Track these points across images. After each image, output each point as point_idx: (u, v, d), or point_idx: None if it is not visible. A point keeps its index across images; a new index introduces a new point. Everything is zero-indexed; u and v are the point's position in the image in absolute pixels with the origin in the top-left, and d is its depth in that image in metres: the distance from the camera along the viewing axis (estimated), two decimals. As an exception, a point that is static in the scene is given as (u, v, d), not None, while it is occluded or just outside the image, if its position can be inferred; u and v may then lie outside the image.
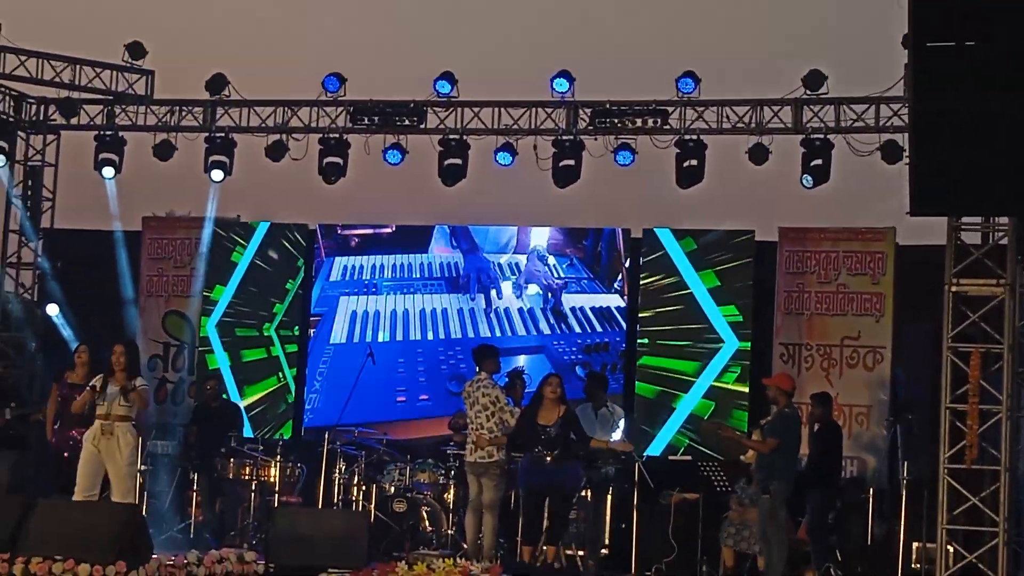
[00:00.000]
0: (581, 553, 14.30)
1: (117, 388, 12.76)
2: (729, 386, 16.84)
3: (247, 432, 17.37)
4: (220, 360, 18.43)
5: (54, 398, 14.31)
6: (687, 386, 16.98)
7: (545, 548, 13.77)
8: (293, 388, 18.21)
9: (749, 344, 16.91)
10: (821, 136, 17.00)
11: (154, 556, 11.24)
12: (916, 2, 13.80)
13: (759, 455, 13.52)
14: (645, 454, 16.17)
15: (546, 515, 13.58)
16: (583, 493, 14.29)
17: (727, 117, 17.51)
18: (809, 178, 16.94)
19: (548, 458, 13.33)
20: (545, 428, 13.42)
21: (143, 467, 15.65)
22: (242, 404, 17.74)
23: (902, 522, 14.99)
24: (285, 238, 18.65)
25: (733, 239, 17.19)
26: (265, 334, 18.45)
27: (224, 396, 17.28)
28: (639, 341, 17.30)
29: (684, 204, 18.24)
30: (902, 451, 15.38)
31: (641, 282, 17.42)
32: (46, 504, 11.65)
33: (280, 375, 18.31)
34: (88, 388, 12.88)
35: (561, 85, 17.55)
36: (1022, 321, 14.60)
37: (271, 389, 18.24)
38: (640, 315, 17.35)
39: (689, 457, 16.04)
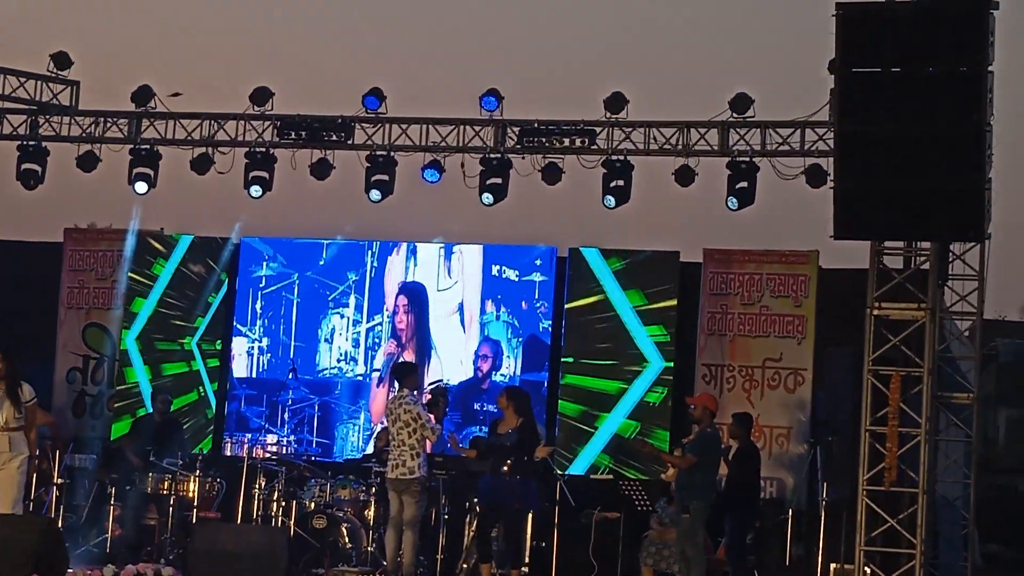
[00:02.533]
0: (502, 571, 14.26)
1: (7, 398, 12.61)
2: (654, 405, 16.90)
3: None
4: (139, 373, 18.26)
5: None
6: (610, 405, 17.03)
7: (468, 566, 13.76)
8: (214, 402, 18.09)
9: (673, 363, 16.97)
10: (747, 159, 17.09)
11: (70, 571, 11.12)
12: (843, 28, 13.98)
13: (680, 475, 13.56)
14: (567, 472, 16.19)
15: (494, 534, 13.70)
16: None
17: (654, 138, 17.58)
18: (734, 200, 17.03)
19: (504, 467, 13.35)
20: (499, 436, 13.50)
21: (59, 480, 15.46)
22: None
23: (820, 543, 15.05)
24: (208, 252, 18.49)
25: (658, 260, 17.24)
26: (186, 348, 18.32)
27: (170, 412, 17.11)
28: (563, 360, 17.31)
29: (611, 224, 18.32)
30: (821, 472, 15.48)
31: (567, 304, 17.44)
32: (-40, 517, 11.50)
33: (200, 389, 18.17)
34: None
35: (490, 103, 17.56)
36: (942, 345, 14.77)
37: (191, 403, 18.09)
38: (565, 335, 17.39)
39: (610, 476, 16.07)
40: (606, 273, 17.38)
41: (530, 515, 14.55)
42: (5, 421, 12.55)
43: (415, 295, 18.01)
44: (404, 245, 18.22)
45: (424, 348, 17.93)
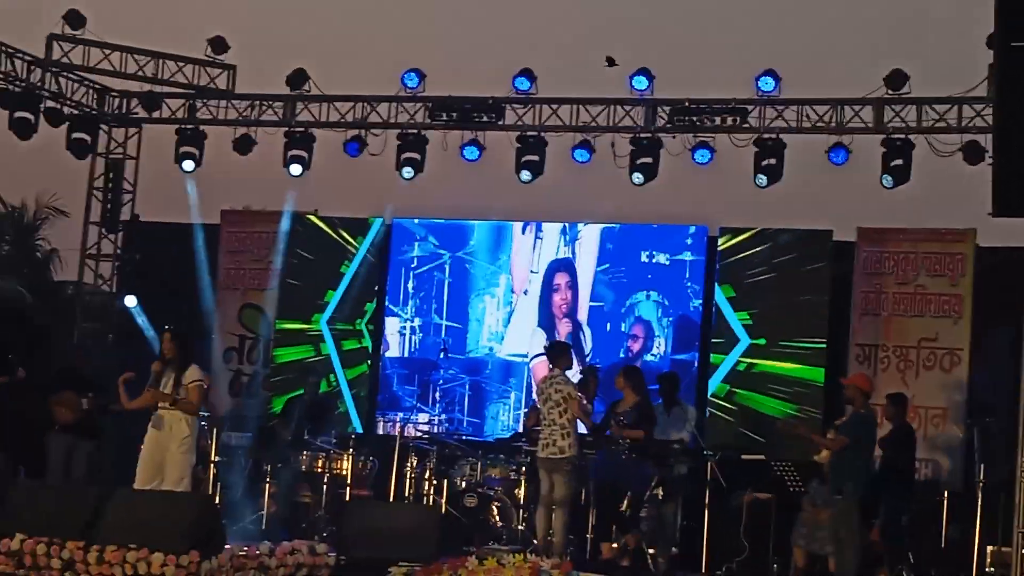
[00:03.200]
0: (651, 551, 14.23)
1: (172, 377, 12.83)
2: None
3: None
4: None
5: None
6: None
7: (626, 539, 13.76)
8: (345, 388, 18.28)
9: (764, 341, 16.85)
10: (902, 136, 16.87)
11: (227, 546, 11.29)
12: (1002, 1, 13.65)
13: (833, 456, 13.41)
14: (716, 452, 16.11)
15: (620, 509, 13.66)
16: (655, 491, 14.20)
17: (807, 116, 17.42)
18: (889, 178, 16.82)
19: (622, 440, 13.38)
20: (619, 415, 13.49)
21: (217, 458, 15.74)
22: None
23: (977, 525, 14.79)
24: (356, 232, 18.65)
25: (811, 239, 17.04)
26: (356, 328, 18.52)
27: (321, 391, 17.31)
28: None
29: (763, 203, 18.16)
30: (979, 454, 15.18)
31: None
32: (122, 493, 11.73)
33: (332, 378, 18.38)
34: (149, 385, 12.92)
35: (640, 83, 17.53)
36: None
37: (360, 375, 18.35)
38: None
39: (762, 456, 15.93)
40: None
41: (679, 495, 14.52)
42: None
43: (573, 273, 17.98)
44: (555, 225, 18.20)
45: (577, 326, 17.92)
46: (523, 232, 18.23)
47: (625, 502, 13.62)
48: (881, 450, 13.95)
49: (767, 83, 17.17)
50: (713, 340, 17.20)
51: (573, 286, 17.90)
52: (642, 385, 13.86)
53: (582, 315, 17.86)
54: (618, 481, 13.50)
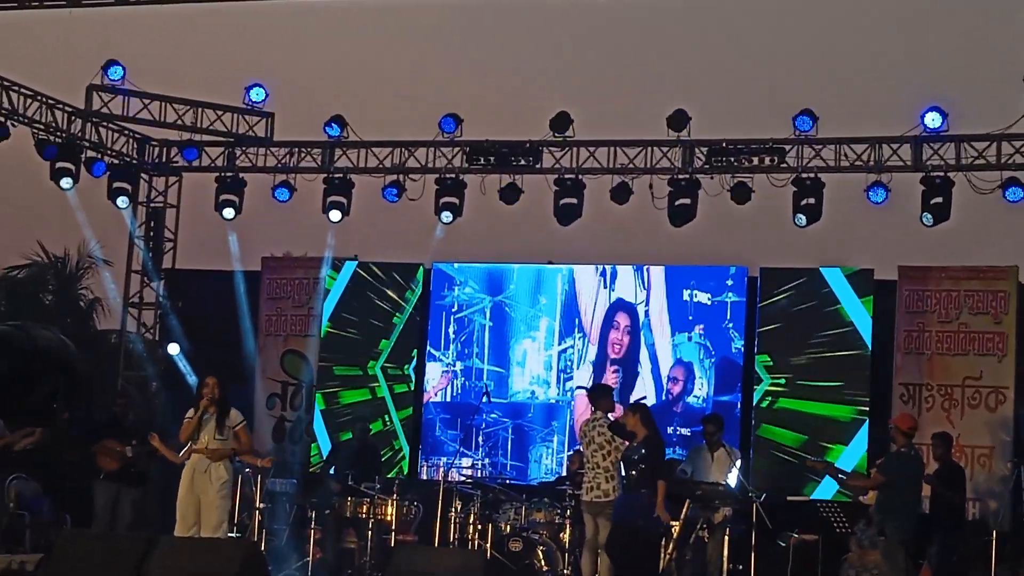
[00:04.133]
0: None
1: (213, 421, 12.83)
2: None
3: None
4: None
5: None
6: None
7: None
8: (399, 429, 18.28)
9: (805, 381, 16.87)
10: (941, 174, 16.82)
11: (273, 593, 11.31)
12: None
13: (878, 496, 13.32)
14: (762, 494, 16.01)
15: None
16: (700, 533, 14.11)
17: (845, 155, 17.40)
18: (929, 216, 16.77)
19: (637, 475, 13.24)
20: (627, 451, 13.35)
21: (261, 505, 15.75)
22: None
23: (1026, 566, 14.66)
24: (398, 277, 18.68)
25: (852, 278, 16.98)
26: (370, 372, 18.54)
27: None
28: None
29: (802, 243, 18.13)
30: (1027, 494, 15.08)
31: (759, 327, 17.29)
32: (168, 540, 11.74)
33: (386, 418, 18.42)
34: (190, 418, 12.90)
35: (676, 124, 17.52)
36: None
37: (378, 431, 18.33)
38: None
39: (808, 498, 15.84)
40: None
41: (725, 538, 14.41)
42: (205, 444, 12.79)
43: (633, 314, 17.98)
44: (596, 267, 18.21)
45: (632, 369, 17.89)
46: (559, 275, 18.24)
47: (671, 545, 13.49)
48: (930, 489, 13.84)
49: (804, 122, 17.17)
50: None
51: (631, 329, 17.88)
52: (650, 420, 13.76)
53: (641, 356, 17.88)
54: (630, 520, 13.29)
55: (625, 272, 18.09)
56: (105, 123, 19.10)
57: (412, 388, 18.46)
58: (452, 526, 15.28)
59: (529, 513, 15.14)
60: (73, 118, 18.64)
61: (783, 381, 17.05)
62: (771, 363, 17.12)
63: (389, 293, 18.68)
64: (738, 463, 15.00)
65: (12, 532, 15.76)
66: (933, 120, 16.80)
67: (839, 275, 17.03)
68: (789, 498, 16.05)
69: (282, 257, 20.77)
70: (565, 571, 14.64)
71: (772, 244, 20.97)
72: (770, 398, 17.06)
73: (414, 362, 18.48)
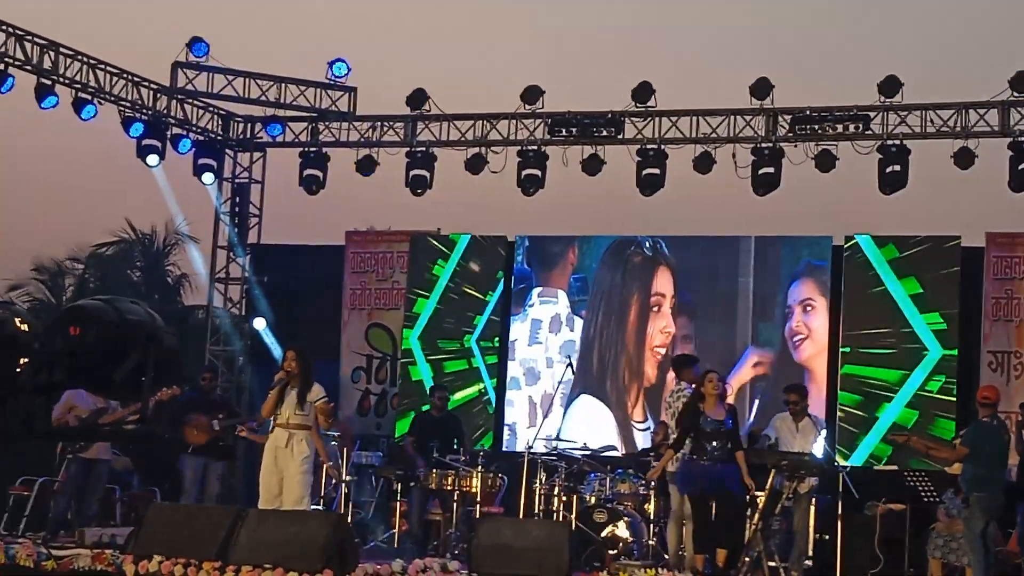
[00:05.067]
0: (784, 565, 14.09)
1: (294, 395, 12.84)
2: (933, 395, 16.54)
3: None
4: (423, 372, 18.61)
5: None
6: (890, 395, 16.72)
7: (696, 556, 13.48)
8: (494, 399, 18.33)
9: (956, 351, 16.55)
10: (1030, 138, 16.60)
11: (360, 565, 11.37)
12: None
13: (963, 466, 13.20)
14: (848, 463, 15.91)
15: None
16: (785, 503, 14.04)
17: (931, 121, 17.20)
18: (1016, 182, 16.55)
19: (718, 450, 13.09)
20: (719, 421, 13.17)
21: (348, 477, 15.86)
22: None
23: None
24: (484, 250, 18.72)
25: (939, 245, 16.81)
26: (466, 345, 18.60)
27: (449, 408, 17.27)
28: (842, 350, 17.03)
29: (888, 210, 17.98)
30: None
31: (843, 290, 17.15)
32: (255, 513, 11.85)
33: (481, 386, 18.45)
34: (272, 391, 12.91)
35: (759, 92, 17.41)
36: None
37: (472, 399, 18.39)
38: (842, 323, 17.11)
39: (895, 467, 15.73)
40: (880, 261, 17.01)
41: (812, 507, 14.34)
42: (287, 419, 12.84)
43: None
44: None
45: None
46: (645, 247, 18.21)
47: (756, 515, 13.42)
48: (1019, 458, 13.68)
49: (889, 88, 16.99)
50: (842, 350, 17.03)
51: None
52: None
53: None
54: (711, 488, 13.19)
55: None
56: (190, 100, 19.26)
57: (496, 360, 18.50)
58: (537, 498, 15.31)
59: (614, 484, 15.14)
60: (159, 95, 18.81)
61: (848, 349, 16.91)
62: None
63: (482, 272, 18.73)
64: (823, 432, 14.91)
65: (103, 506, 15.98)
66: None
67: (928, 241, 16.85)
68: (876, 467, 15.95)
69: (366, 231, 20.85)
70: (650, 542, 14.63)
71: (858, 212, 20.81)
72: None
73: (477, 331, 18.56)
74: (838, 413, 16.82)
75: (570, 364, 16.33)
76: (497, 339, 18.52)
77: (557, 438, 16.03)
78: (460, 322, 18.67)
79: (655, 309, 18.07)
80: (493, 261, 18.68)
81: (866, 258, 17.09)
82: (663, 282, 18.09)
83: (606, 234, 18.69)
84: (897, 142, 17.14)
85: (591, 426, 17.68)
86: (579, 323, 18.31)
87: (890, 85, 16.99)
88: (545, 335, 18.46)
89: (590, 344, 18.26)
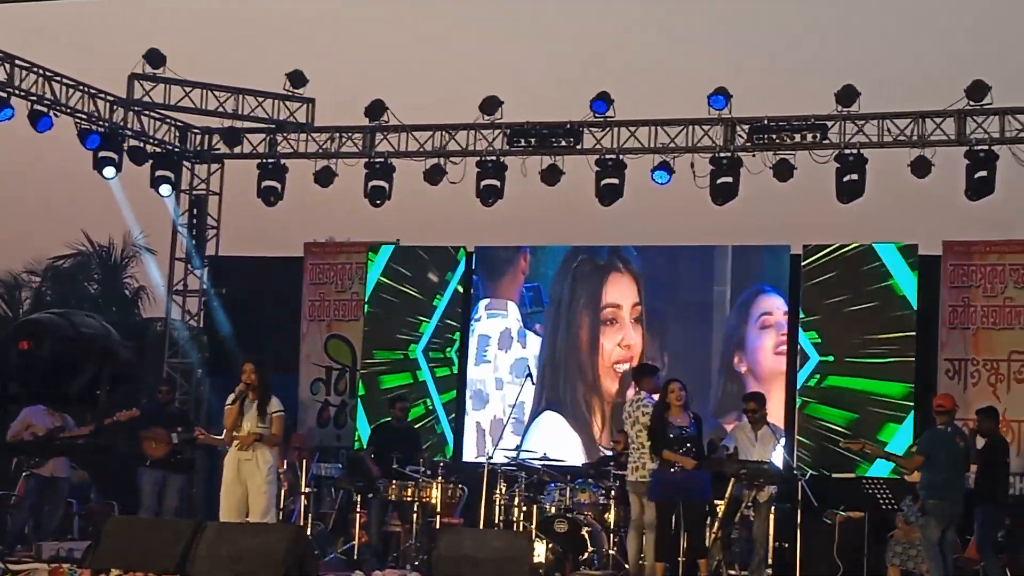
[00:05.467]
0: (744, 573, 14.13)
1: (255, 408, 12.75)
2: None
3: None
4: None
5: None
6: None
7: (699, 562, 13.53)
8: (441, 413, 18.25)
9: (831, 358, 16.72)
10: (985, 147, 16.69)
11: (319, 577, 11.35)
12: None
13: (921, 474, 13.25)
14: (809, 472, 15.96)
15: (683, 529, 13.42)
16: (745, 512, 14.09)
17: (888, 130, 17.29)
18: (973, 190, 16.65)
19: (685, 453, 13.12)
20: (682, 428, 13.21)
21: (307, 489, 15.81)
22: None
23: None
24: (440, 261, 18.66)
25: (896, 253, 16.87)
26: (410, 357, 18.54)
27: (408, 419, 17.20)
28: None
29: (845, 219, 18.05)
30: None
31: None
32: (214, 526, 11.80)
33: (428, 401, 18.37)
34: (232, 404, 12.81)
35: (718, 102, 17.49)
36: None
37: (419, 415, 18.28)
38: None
39: (853, 475, 15.80)
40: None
41: (771, 515, 14.39)
42: (248, 431, 12.76)
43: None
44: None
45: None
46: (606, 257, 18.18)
47: (716, 523, 13.45)
48: (975, 465, 13.74)
49: (846, 98, 17.07)
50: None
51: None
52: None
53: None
54: (677, 496, 13.23)
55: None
56: (147, 111, 19.19)
57: (452, 372, 18.42)
58: (497, 508, 15.30)
59: (574, 494, 15.15)
60: (115, 107, 18.73)
61: (831, 358, 16.92)
62: (819, 341, 17.01)
63: (429, 276, 18.64)
64: (782, 441, 14.95)
65: (61, 520, 15.88)
66: (717, 102, 17.19)
67: (889, 250, 16.90)
68: (835, 475, 16.00)
69: (324, 243, 20.81)
70: (611, 551, 14.64)
71: (815, 221, 20.88)
72: (818, 376, 16.94)
73: (456, 345, 18.44)
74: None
75: (529, 375, 16.29)
76: (450, 350, 18.42)
77: (517, 448, 16.04)
78: (405, 332, 18.59)
79: (609, 322, 17.96)
80: (444, 270, 18.59)
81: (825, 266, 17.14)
82: (617, 292, 17.97)
83: (563, 244, 18.62)
84: (854, 151, 17.21)
85: (555, 443, 17.40)
86: (533, 339, 18.18)
87: (847, 94, 17.07)
88: (494, 352, 18.33)
89: (552, 358, 18.14)
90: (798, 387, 16.95)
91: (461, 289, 18.55)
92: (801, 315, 17.05)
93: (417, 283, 18.69)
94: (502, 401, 17.51)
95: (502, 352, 18.25)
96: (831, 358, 16.93)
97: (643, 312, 17.85)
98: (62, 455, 15.46)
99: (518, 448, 16.28)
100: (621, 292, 17.98)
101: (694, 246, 18.16)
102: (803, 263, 17.21)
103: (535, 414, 18.00)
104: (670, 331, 17.83)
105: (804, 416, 16.86)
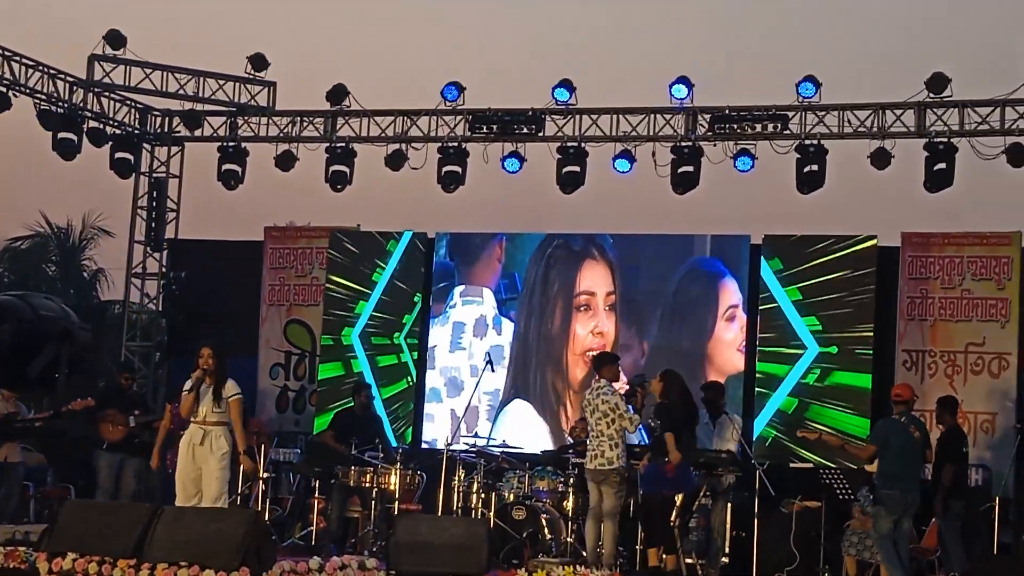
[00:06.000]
0: (701, 562, 14.18)
1: (210, 393, 12.71)
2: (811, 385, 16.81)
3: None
4: (363, 365, 18.41)
5: (167, 418, 14.19)
6: (776, 385, 16.93)
7: (664, 556, 13.67)
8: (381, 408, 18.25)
9: (835, 349, 16.72)
10: (945, 140, 16.78)
11: (277, 563, 11.31)
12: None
13: (877, 464, 13.32)
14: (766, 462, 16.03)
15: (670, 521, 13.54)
16: (703, 501, 14.15)
17: (848, 121, 17.36)
18: (932, 183, 16.74)
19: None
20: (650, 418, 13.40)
21: (264, 474, 15.76)
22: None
23: (1029, 531, 14.65)
24: (413, 248, 18.61)
25: (855, 244, 16.94)
26: (395, 342, 18.49)
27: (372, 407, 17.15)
28: (759, 349, 17.15)
29: (805, 210, 18.13)
30: (1029, 459, 15.06)
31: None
32: (171, 511, 11.75)
33: (408, 379, 18.35)
34: (189, 391, 12.75)
35: (680, 91, 17.55)
36: None
37: (402, 390, 18.32)
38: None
39: (810, 465, 15.87)
40: (767, 271, 17.13)
41: (728, 505, 14.44)
42: (204, 416, 12.71)
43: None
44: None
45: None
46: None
47: (674, 512, 13.52)
48: (933, 456, 13.82)
49: (807, 89, 17.16)
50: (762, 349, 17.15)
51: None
52: (673, 386, 13.78)
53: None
54: (664, 491, 13.38)
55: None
56: (107, 93, 19.09)
57: (400, 360, 18.34)
58: (455, 495, 15.30)
59: (532, 481, 15.16)
60: (75, 88, 18.63)
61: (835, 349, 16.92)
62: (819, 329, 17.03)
63: (368, 257, 18.59)
64: (739, 430, 15.00)
65: (16, 502, 15.79)
66: (806, 89, 17.02)
67: (843, 241, 16.96)
68: (792, 464, 16.06)
69: (285, 227, 20.74)
70: (569, 539, 14.66)
71: (775, 212, 20.95)
72: (819, 369, 16.89)
73: (405, 330, 18.40)
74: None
75: (489, 362, 16.27)
76: (398, 335, 18.39)
77: (475, 435, 16.04)
78: (393, 321, 18.56)
79: (583, 309, 17.94)
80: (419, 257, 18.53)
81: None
82: (591, 279, 17.91)
83: (531, 231, 18.58)
84: (815, 142, 17.27)
85: (523, 433, 17.39)
86: (508, 325, 18.16)
87: (809, 86, 17.12)
88: (469, 340, 18.29)
89: (523, 346, 18.10)
90: (795, 382, 16.96)
91: (411, 271, 18.44)
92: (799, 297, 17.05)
93: (357, 263, 18.59)
94: (477, 388, 17.47)
95: (477, 339, 18.20)
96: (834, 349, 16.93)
97: (617, 300, 17.81)
98: (16, 438, 15.37)
99: (475, 435, 16.27)
100: (595, 279, 17.90)
101: (672, 235, 18.00)
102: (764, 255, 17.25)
103: (504, 403, 17.97)
104: (648, 319, 17.77)
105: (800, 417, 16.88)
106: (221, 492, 12.58)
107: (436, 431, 17.90)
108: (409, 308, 18.45)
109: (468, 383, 17.90)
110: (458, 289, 18.39)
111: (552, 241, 18.17)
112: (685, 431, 13.52)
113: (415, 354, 18.33)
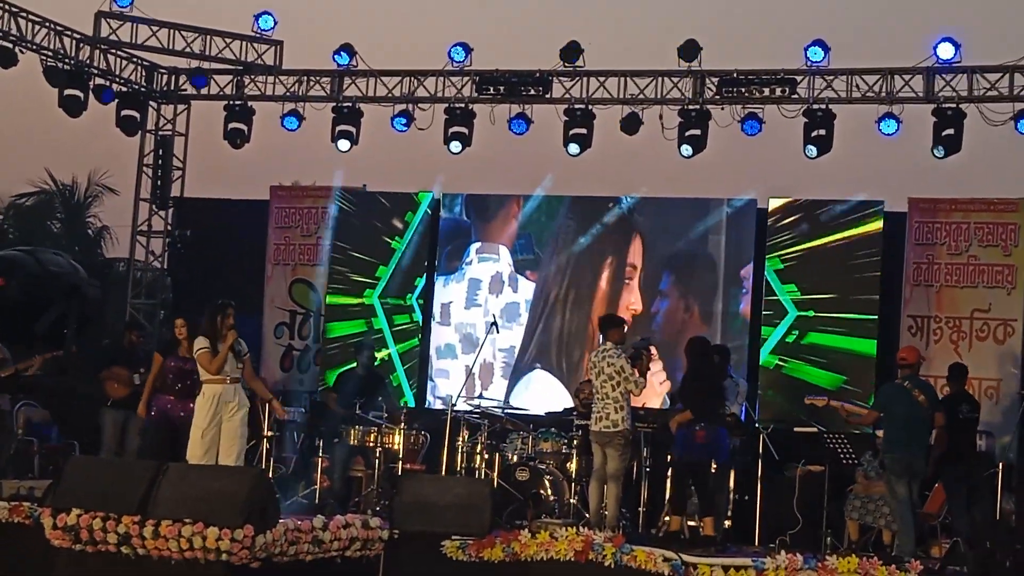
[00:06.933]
0: (702, 524, 14.20)
1: (230, 351, 12.74)
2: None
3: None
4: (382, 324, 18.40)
5: (156, 370, 14.15)
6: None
7: (668, 518, 13.71)
8: (397, 361, 18.21)
9: (812, 312, 16.77)
10: (953, 105, 16.73)
11: (281, 520, 11.33)
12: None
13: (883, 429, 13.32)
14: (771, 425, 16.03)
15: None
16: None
17: (857, 86, 17.31)
18: (940, 148, 16.69)
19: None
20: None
21: (269, 433, 15.77)
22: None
23: (1032, 497, 14.64)
24: (404, 207, 18.58)
25: (862, 210, 16.91)
26: (407, 303, 18.45)
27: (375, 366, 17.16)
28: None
29: (812, 174, 18.09)
30: (1033, 425, 15.05)
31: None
32: (176, 468, 11.75)
33: (420, 338, 18.35)
34: (206, 348, 12.74)
35: (688, 54, 17.44)
36: None
37: (414, 348, 18.30)
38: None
39: (815, 429, 15.87)
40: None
41: (732, 470, 14.46)
42: (229, 373, 12.75)
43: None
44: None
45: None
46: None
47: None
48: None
49: (816, 53, 17.12)
50: (764, 313, 17.12)
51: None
52: (694, 352, 13.78)
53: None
54: (695, 456, 13.38)
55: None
56: (113, 50, 19.03)
57: (412, 319, 18.35)
58: (459, 455, 15.32)
59: (536, 443, 15.17)
60: (81, 45, 18.58)
61: (811, 313, 16.93)
62: (799, 295, 17.01)
63: (389, 220, 18.56)
64: (744, 394, 15.01)
65: (21, 458, 15.83)
66: (946, 51, 16.72)
67: (851, 206, 16.93)
68: (796, 428, 16.07)
69: (290, 186, 20.70)
70: (572, 500, 14.69)
71: (783, 175, 20.91)
72: (797, 332, 16.95)
73: (417, 291, 18.40)
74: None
75: (495, 324, 16.23)
76: (410, 296, 18.39)
77: (480, 396, 16.05)
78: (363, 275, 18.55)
79: (627, 281, 17.80)
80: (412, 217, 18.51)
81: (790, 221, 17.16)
82: (636, 252, 17.82)
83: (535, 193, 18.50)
84: (823, 106, 17.22)
85: (543, 403, 17.41)
86: (524, 284, 18.11)
87: (816, 49, 17.06)
88: (484, 296, 18.26)
89: (550, 312, 18.02)
90: (773, 343, 16.98)
91: (423, 234, 18.43)
92: (769, 267, 17.05)
93: (375, 226, 18.58)
94: (493, 346, 17.43)
95: (493, 296, 18.18)
96: (811, 313, 16.95)
97: (643, 268, 17.76)
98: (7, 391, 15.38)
99: (480, 396, 16.28)
100: (638, 252, 17.80)
101: (688, 198, 17.91)
102: (769, 218, 17.21)
103: (526, 371, 17.93)
104: (663, 282, 17.70)
105: (781, 375, 16.89)
106: (242, 449, 12.72)
107: (451, 387, 17.84)
108: (421, 270, 18.44)
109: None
110: (475, 246, 18.36)
111: (602, 203, 17.99)
112: (700, 397, 13.49)
113: (399, 318, 18.34)
